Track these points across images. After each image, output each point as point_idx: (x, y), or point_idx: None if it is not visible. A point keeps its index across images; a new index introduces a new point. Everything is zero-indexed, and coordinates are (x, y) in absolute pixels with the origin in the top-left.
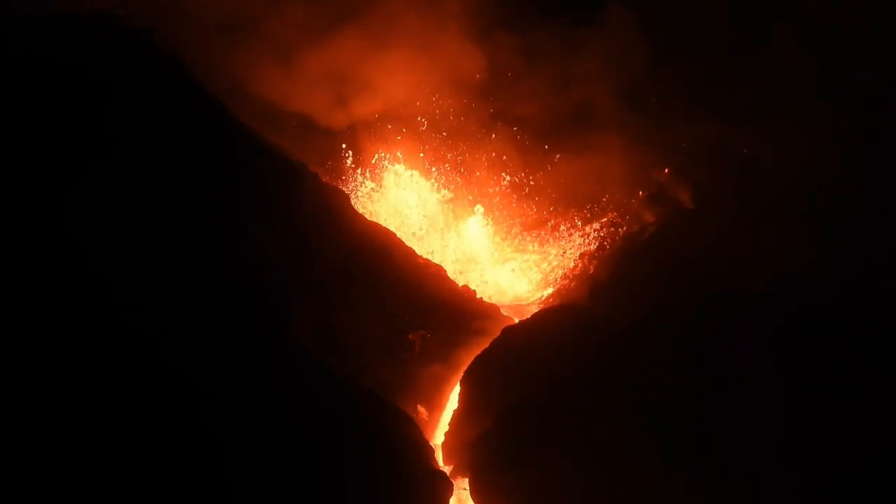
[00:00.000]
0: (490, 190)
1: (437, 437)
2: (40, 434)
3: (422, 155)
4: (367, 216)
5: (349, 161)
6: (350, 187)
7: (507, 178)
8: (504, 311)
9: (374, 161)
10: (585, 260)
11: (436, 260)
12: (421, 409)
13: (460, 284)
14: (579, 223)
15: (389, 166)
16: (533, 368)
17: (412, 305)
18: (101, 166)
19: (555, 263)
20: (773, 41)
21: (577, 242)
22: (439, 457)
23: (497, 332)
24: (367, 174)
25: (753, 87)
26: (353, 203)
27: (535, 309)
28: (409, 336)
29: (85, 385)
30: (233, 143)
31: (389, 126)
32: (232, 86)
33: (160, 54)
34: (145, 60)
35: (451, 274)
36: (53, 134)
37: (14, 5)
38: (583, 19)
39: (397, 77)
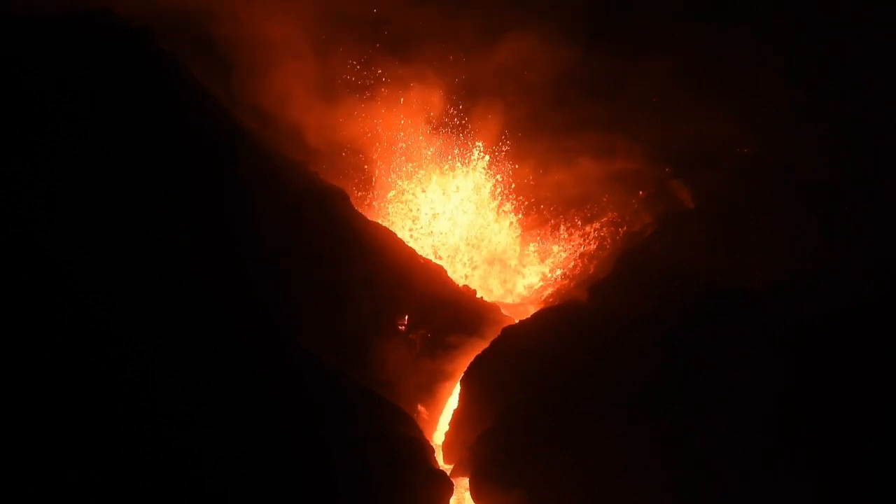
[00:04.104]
0: (489, 190)
1: (437, 437)
2: (41, 433)
3: (425, 152)
4: (367, 216)
5: (349, 160)
6: (349, 186)
7: (507, 178)
8: (504, 311)
9: (371, 161)
10: (585, 260)
11: (436, 261)
12: (421, 408)
13: (460, 284)
14: (579, 223)
15: (388, 166)
16: (533, 368)
17: (412, 305)
18: (99, 167)
19: (555, 263)
20: (774, 41)
21: (577, 242)
22: (439, 457)
23: (497, 332)
24: (365, 174)
25: (754, 86)
26: (352, 202)
27: (535, 309)
28: (410, 335)
29: (78, 383)
30: (232, 141)
31: (388, 126)
32: (231, 85)
33: (157, 53)
34: (143, 60)
35: (450, 274)
36: (50, 135)
37: (11, 4)
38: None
39: (397, 76)
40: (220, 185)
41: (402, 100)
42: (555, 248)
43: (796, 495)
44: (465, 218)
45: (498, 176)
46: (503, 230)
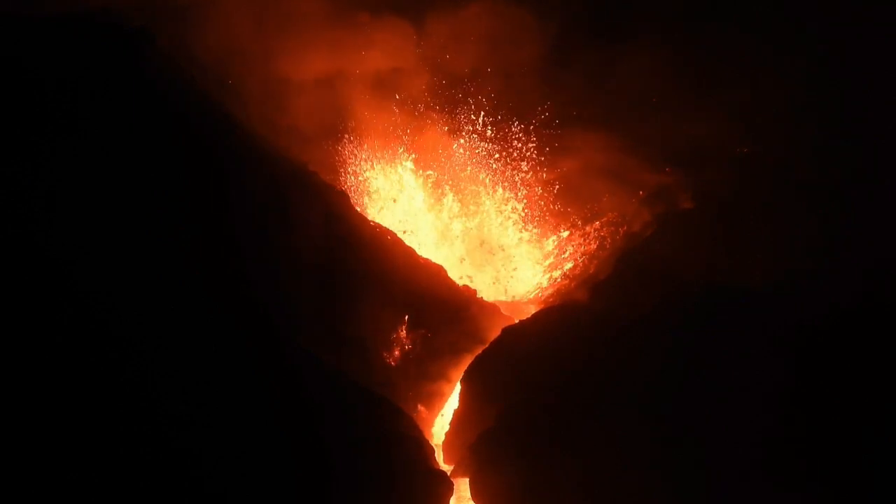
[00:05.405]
0: (489, 190)
1: (438, 437)
2: (41, 433)
3: (421, 153)
4: (366, 215)
5: (347, 160)
6: (348, 186)
7: (505, 176)
8: (504, 311)
9: (369, 161)
10: (585, 260)
11: (435, 259)
12: (421, 408)
13: (460, 284)
14: (579, 223)
15: (386, 166)
16: (533, 368)
17: (412, 305)
18: (99, 167)
19: (554, 263)
20: (774, 41)
21: (577, 242)
22: (439, 457)
23: (497, 332)
24: (362, 174)
25: (754, 86)
26: (351, 202)
27: (535, 309)
28: (410, 335)
29: (78, 383)
30: (232, 141)
31: (386, 127)
32: (230, 86)
33: (157, 53)
34: (142, 59)
35: (450, 273)
36: (50, 135)
37: (11, 5)
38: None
39: (393, 77)
40: (220, 185)
41: (395, 93)
42: (554, 248)
43: (796, 495)
44: (463, 216)
45: (495, 175)
46: (502, 230)
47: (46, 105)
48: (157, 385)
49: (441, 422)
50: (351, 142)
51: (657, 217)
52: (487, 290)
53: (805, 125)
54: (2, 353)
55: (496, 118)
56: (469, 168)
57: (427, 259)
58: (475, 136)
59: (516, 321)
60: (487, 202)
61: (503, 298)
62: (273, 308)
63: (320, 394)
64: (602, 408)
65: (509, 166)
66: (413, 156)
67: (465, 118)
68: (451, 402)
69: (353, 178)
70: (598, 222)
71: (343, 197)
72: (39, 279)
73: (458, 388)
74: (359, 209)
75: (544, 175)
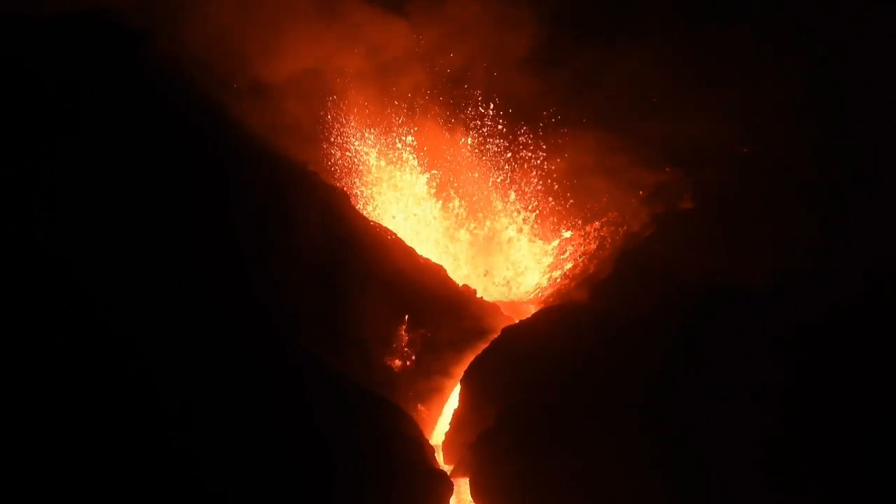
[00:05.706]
0: (489, 190)
1: (438, 437)
2: (41, 433)
3: (418, 153)
4: (366, 215)
5: (347, 160)
6: (346, 186)
7: (507, 177)
8: (504, 311)
9: (367, 162)
10: (585, 259)
11: (435, 259)
12: (421, 408)
13: (460, 284)
14: (579, 223)
15: (386, 166)
16: (533, 368)
17: (412, 305)
18: (99, 167)
19: (555, 263)
20: (774, 41)
21: (577, 242)
22: (439, 457)
23: (497, 332)
24: (361, 174)
25: (754, 86)
26: (351, 202)
27: (535, 309)
28: (410, 335)
29: (78, 383)
30: (232, 141)
31: (385, 127)
32: (230, 86)
33: (157, 53)
34: (142, 59)
35: (450, 273)
36: (50, 135)
37: (11, 5)
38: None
39: (391, 74)
40: (220, 185)
41: (394, 89)
42: (555, 248)
43: (797, 495)
44: (465, 216)
45: (495, 176)
46: (502, 230)
47: (46, 105)
48: (157, 385)
49: (441, 422)
50: (350, 139)
51: (657, 217)
52: (487, 290)
53: (805, 125)
54: (2, 353)
55: (496, 117)
56: (473, 169)
57: (427, 259)
58: (475, 133)
59: (516, 321)
60: (489, 202)
61: (503, 298)
62: (273, 308)
63: (320, 394)
64: (602, 408)
65: (509, 166)
66: (412, 154)
67: (463, 116)
68: (452, 403)
69: (351, 174)
70: (598, 222)
71: (343, 197)
72: (39, 279)
73: (458, 388)
74: (353, 200)
75: (544, 175)
